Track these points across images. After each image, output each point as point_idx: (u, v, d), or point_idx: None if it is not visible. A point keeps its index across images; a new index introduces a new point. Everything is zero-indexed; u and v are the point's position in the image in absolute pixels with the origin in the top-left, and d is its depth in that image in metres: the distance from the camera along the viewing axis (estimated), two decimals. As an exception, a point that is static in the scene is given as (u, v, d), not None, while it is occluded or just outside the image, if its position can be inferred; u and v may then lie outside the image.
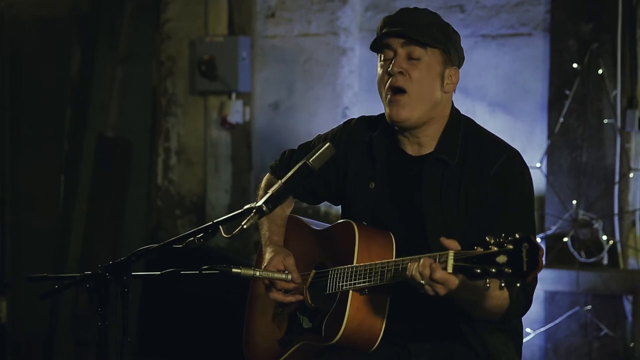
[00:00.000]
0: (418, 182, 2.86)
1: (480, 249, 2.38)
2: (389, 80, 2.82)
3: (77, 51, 5.96)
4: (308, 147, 3.08)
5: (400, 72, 2.80)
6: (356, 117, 3.10)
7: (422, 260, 2.52)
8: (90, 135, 5.92)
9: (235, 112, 5.89)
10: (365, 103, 5.50)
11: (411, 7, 2.90)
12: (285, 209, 3.16)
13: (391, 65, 2.81)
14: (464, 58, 2.91)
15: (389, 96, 2.83)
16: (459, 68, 2.89)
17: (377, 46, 2.86)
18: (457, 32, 2.88)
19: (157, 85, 6.14)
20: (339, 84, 5.75)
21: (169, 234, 6.02)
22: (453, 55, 2.85)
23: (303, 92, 5.86)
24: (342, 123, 3.11)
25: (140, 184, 6.10)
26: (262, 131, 5.98)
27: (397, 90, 2.81)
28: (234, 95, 5.90)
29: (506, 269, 2.33)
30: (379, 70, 2.87)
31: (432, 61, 2.81)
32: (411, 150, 2.91)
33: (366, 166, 2.96)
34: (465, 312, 2.73)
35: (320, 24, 5.79)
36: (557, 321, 5.09)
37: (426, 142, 2.88)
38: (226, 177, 6.03)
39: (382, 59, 2.86)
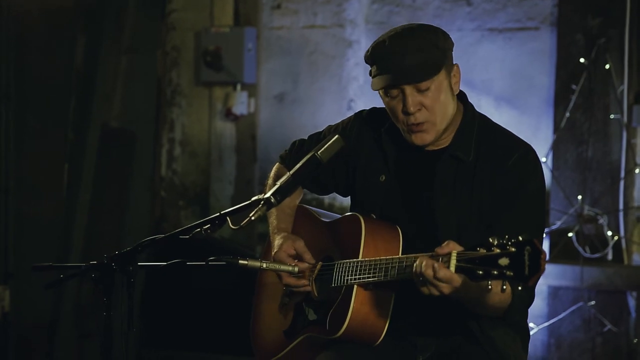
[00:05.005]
0: (430, 177, 2.84)
1: (483, 251, 2.39)
2: (407, 118, 2.76)
3: (81, 41, 5.94)
4: (318, 138, 3.06)
5: (418, 110, 2.76)
6: (367, 108, 3.08)
7: (425, 261, 2.51)
8: (94, 125, 5.90)
9: (240, 103, 5.88)
10: (370, 95, 5.45)
11: (397, 29, 2.79)
12: (295, 198, 3.15)
13: (405, 105, 2.74)
14: (453, 43, 2.83)
15: (409, 127, 2.78)
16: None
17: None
18: (444, 33, 2.80)
19: (162, 76, 6.13)
20: (345, 76, 5.73)
21: (172, 225, 6.01)
22: (451, 58, 2.81)
23: (308, 84, 5.85)
24: (353, 114, 3.08)
25: (143, 175, 6.09)
26: (267, 123, 5.97)
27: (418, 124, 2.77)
28: (239, 87, 5.89)
29: (508, 272, 2.33)
30: (389, 104, 2.79)
31: (440, 82, 2.76)
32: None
33: (377, 159, 2.94)
34: (468, 308, 2.72)
35: (326, 15, 5.78)
36: (560, 316, 5.08)
37: (440, 141, 2.86)
38: (230, 169, 6.03)
39: (388, 96, 2.79)
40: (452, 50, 2.82)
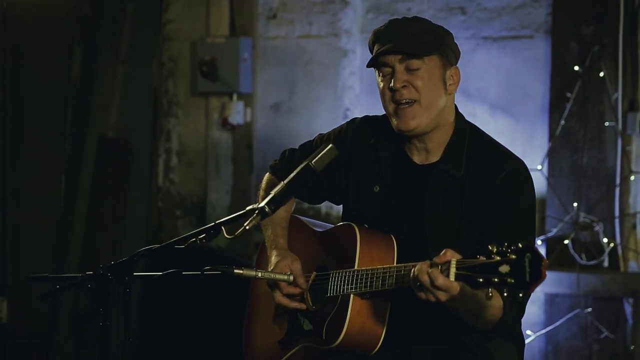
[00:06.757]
0: (422, 191, 2.86)
1: (482, 258, 2.37)
2: (393, 95, 2.81)
3: (78, 52, 5.97)
4: (310, 147, 3.07)
5: (404, 86, 2.80)
6: (360, 116, 3.09)
7: (424, 268, 2.51)
8: (91, 136, 5.92)
9: (237, 113, 5.89)
10: (366, 105, 5.50)
11: (400, 17, 2.89)
12: (288, 209, 3.15)
13: (393, 82, 2.80)
14: (460, 53, 2.90)
15: (396, 108, 2.82)
16: (457, 64, 2.89)
17: (373, 63, 2.86)
18: (448, 31, 2.88)
19: (158, 86, 6.14)
20: (340, 86, 5.75)
21: (169, 234, 6.01)
22: (450, 56, 2.85)
23: (304, 94, 5.86)
24: (345, 122, 3.10)
25: (140, 185, 6.10)
26: (263, 132, 5.98)
27: (404, 103, 2.81)
28: (235, 96, 5.90)
29: (509, 279, 2.32)
30: (380, 85, 2.86)
31: (432, 68, 2.81)
32: (417, 158, 2.90)
33: (371, 169, 2.96)
34: (461, 320, 2.72)
35: (321, 25, 5.80)
36: (557, 323, 5.09)
37: (433, 149, 2.88)
38: (227, 178, 6.03)
39: (381, 75, 2.85)
40: (453, 51, 2.86)
